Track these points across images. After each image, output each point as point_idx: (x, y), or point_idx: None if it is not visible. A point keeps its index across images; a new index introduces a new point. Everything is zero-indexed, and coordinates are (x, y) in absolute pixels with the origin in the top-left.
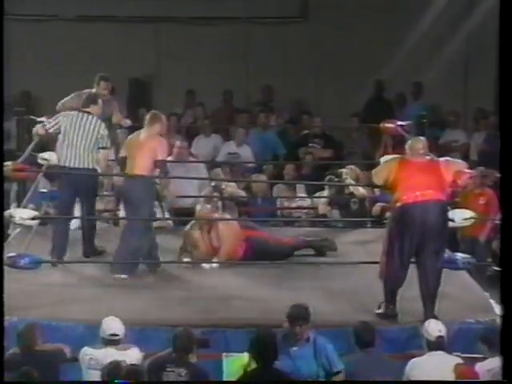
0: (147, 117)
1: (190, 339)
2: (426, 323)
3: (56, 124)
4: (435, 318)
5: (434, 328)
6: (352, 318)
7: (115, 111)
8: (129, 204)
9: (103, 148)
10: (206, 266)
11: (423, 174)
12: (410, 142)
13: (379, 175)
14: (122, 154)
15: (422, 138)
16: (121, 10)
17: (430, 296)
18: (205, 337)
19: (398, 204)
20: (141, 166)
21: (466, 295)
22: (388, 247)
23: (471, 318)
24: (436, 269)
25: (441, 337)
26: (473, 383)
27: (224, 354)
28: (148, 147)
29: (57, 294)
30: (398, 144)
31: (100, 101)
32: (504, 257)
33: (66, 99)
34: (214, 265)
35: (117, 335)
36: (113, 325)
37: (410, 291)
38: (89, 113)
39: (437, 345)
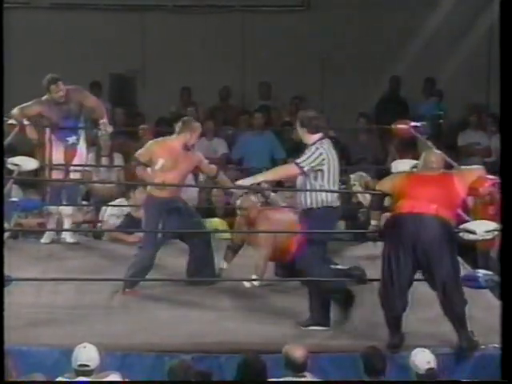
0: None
1: (186, 374)
2: (413, 354)
3: None
4: (473, 343)
5: (422, 360)
6: (360, 342)
7: (86, 98)
8: None
9: None
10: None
11: (430, 188)
12: (424, 154)
13: (383, 184)
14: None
15: (437, 151)
16: None
17: (455, 318)
18: (207, 370)
19: (393, 214)
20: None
21: (489, 317)
22: (383, 264)
23: (495, 343)
24: (451, 289)
25: (431, 369)
26: (472, 383)
27: None
28: None
29: (29, 315)
30: (411, 147)
31: None
32: (504, 257)
33: (24, 105)
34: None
35: (87, 366)
36: (84, 355)
37: (430, 312)
38: None
39: (428, 378)
